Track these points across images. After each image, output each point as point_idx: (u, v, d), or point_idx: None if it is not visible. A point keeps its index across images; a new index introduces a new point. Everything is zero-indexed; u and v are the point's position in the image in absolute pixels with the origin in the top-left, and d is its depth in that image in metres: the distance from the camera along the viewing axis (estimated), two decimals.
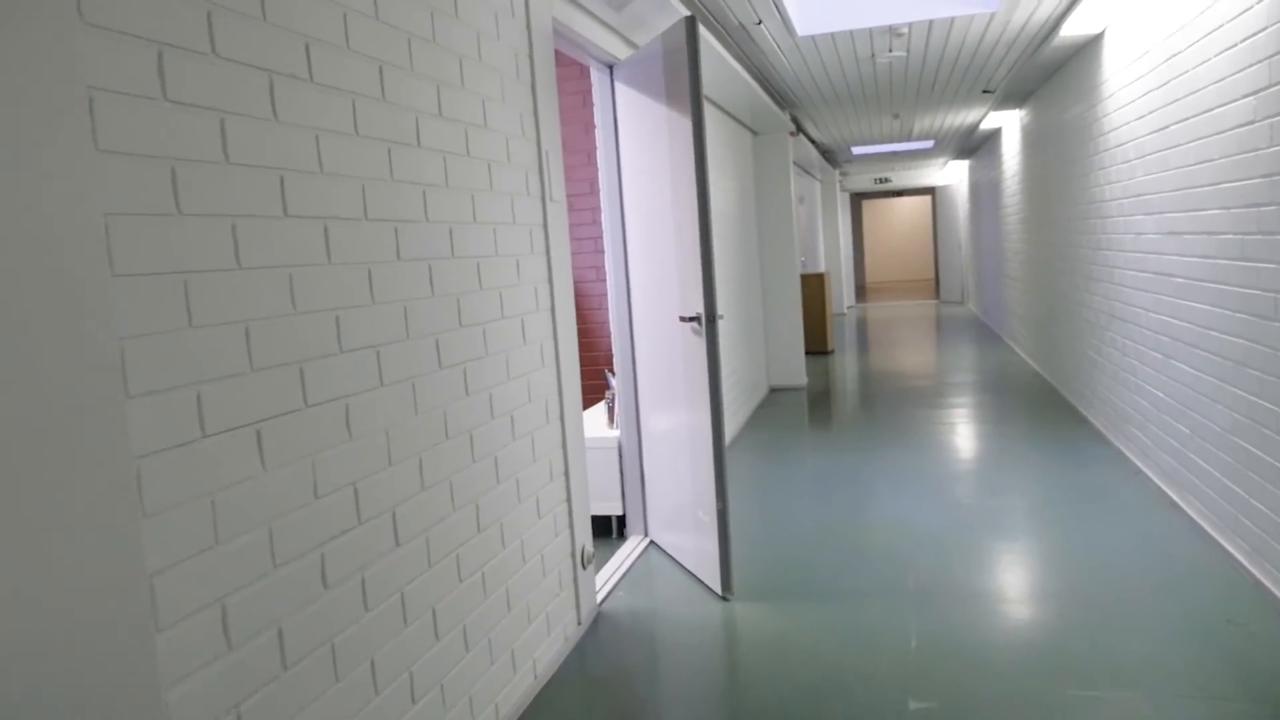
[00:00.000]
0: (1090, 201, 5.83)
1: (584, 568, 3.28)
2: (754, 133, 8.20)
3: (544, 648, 2.93)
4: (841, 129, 9.85)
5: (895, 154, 13.32)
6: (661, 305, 3.76)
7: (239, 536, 1.60)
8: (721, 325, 6.28)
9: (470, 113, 2.56)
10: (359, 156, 2.02)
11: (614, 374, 4.23)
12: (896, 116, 9.01)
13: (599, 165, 4.12)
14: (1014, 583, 3.48)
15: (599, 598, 3.54)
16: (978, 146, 12.71)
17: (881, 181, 18.12)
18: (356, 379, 1.98)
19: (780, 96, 7.44)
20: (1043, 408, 6.74)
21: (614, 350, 4.20)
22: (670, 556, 4.00)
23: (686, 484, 3.72)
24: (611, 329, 4.19)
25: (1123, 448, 5.26)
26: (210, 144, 1.57)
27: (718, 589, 3.51)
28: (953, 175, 17.08)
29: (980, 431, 6.10)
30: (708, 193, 3.29)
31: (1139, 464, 4.92)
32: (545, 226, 3.07)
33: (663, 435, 3.92)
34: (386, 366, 2.09)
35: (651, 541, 4.22)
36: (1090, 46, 5.72)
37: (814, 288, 10.50)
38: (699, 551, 3.66)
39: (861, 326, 13.94)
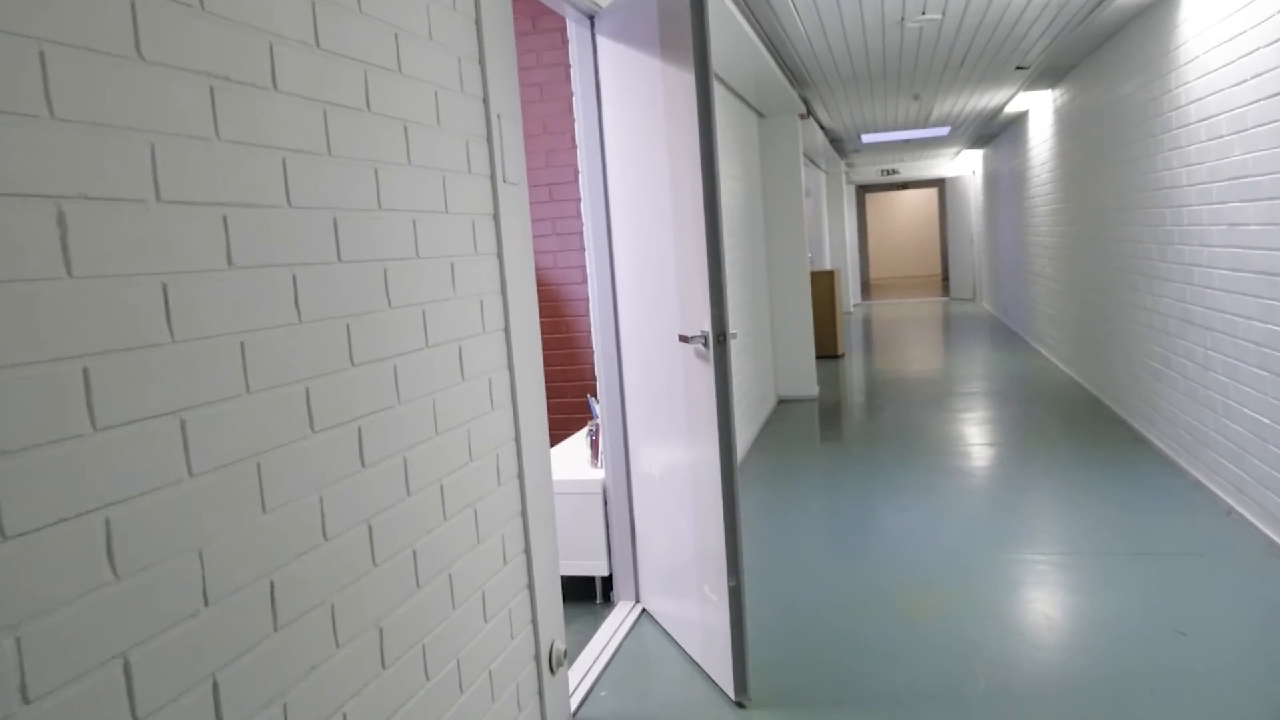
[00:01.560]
0: (1155, 188, 5.01)
1: (553, 672, 2.46)
2: (760, 114, 7.37)
3: None
4: (855, 112, 9.02)
5: (907, 143, 12.49)
6: (656, 317, 2.94)
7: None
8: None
9: (372, 47, 1.74)
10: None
11: (598, 400, 3.41)
12: (917, 98, 8.18)
13: (578, 141, 3.30)
14: (1116, 679, 2.67)
15: (576, 701, 2.72)
16: (997, 133, 11.88)
17: (889, 173, 17.29)
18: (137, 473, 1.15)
19: (792, 72, 6.61)
20: (1089, 423, 5.92)
21: (598, 372, 3.38)
22: (667, 634, 3.18)
23: (688, 540, 2.90)
24: (595, 347, 3.37)
25: (1202, 478, 4.45)
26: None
27: (730, 690, 2.69)
28: (964, 166, 16.26)
29: (1024, 454, 5.28)
30: (716, 179, 2.48)
31: (1230, 501, 4.10)
32: (496, 217, 2.25)
33: (658, 477, 3.10)
34: (204, 442, 1.27)
35: (644, 610, 3.40)
36: (1158, 8, 4.90)
37: (824, 287, 9.69)
38: (705, 632, 2.85)
39: (870, 326, 13.12)
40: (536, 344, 2.43)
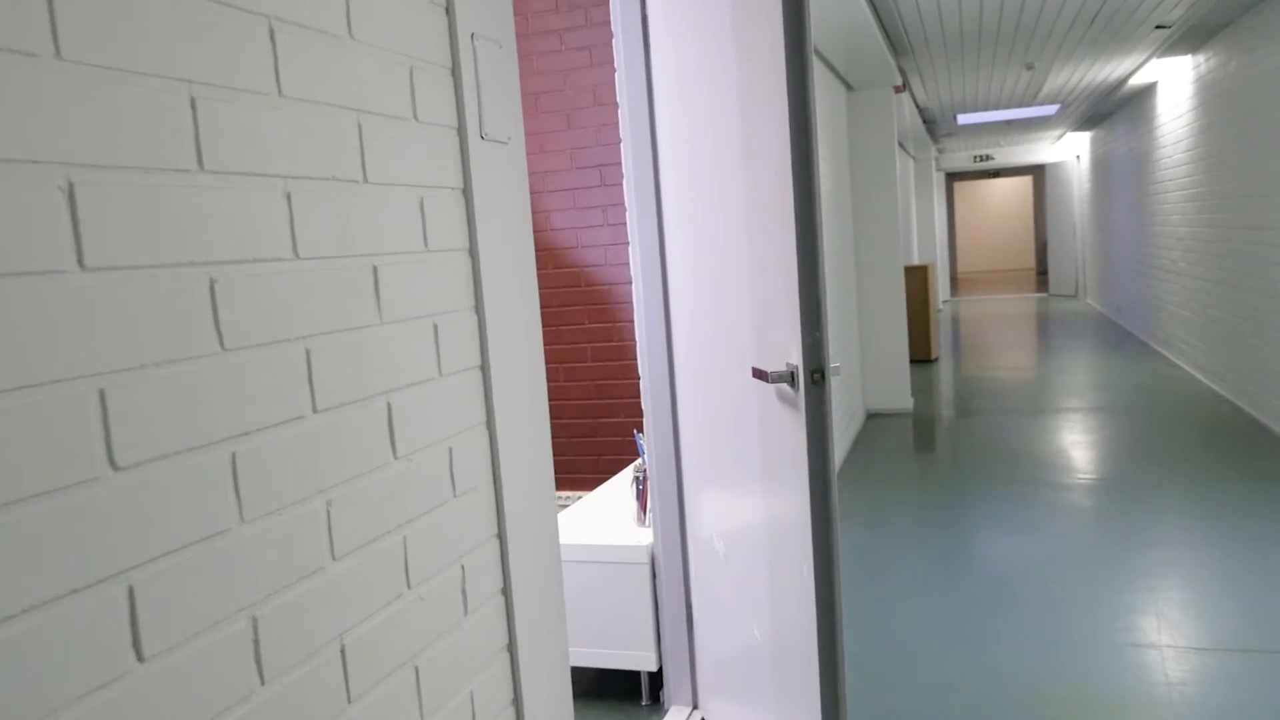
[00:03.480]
0: None
1: None
2: (849, 86, 6.44)
3: None
4: (956, 87, 8.00)
5: (1009, 124, 11.36)
6: (720, 338, 2.10)
7: None
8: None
9: None
10: None
11: (644, 437, 2.59)
12: (1030, 68, 7.14)
13: (620, 99, 2.48)
14: None
15: None
16: (1112, 112, 10.67)
17: (982, 159, 16.05)
18: None
19: (890, 35, 5.67)
20: (1245, 450, 4.87)
21: (645, 405, 2.56)
22: None
23: (762, 622, 2.06)
24: (641, 371, 2.55)
25: None
26: None
27: None
28: (1067, 150, 14.96)
29: (1179, 491, 4.28)
30: (813, 155, 1.62)
31: None
32: (468, 193, 1.44)
33: (722, 544, 2.27)
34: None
35: (703, 719, 2.57)
36: None
37: (917, 283, 8.70)
38: None
39: (962, 325, 12.03)
40: (538, 384, 1.62)
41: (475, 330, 1.46)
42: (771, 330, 1.78)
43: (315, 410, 1.10)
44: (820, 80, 5.31)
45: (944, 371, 8.43)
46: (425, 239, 1.34)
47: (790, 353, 1.70)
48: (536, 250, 4.60)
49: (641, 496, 2.75)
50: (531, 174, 4.57)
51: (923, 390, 7.55)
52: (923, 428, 6.19)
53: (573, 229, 4.55)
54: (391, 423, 1.24)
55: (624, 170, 2.50)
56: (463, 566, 1.40)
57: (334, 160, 1.15)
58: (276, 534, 1.03)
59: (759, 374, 1.77)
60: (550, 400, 4.69)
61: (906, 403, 6.76)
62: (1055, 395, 6.86)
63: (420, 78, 1.34)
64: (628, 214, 2.50)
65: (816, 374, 1.64)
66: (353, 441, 1.16)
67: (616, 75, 2.49)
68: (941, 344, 10.33)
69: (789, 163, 1.62)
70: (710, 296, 2.14)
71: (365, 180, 1.21)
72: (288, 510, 1.04)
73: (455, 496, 1.38)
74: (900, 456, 5.43)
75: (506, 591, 1.51)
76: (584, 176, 4.48)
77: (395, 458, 1.25)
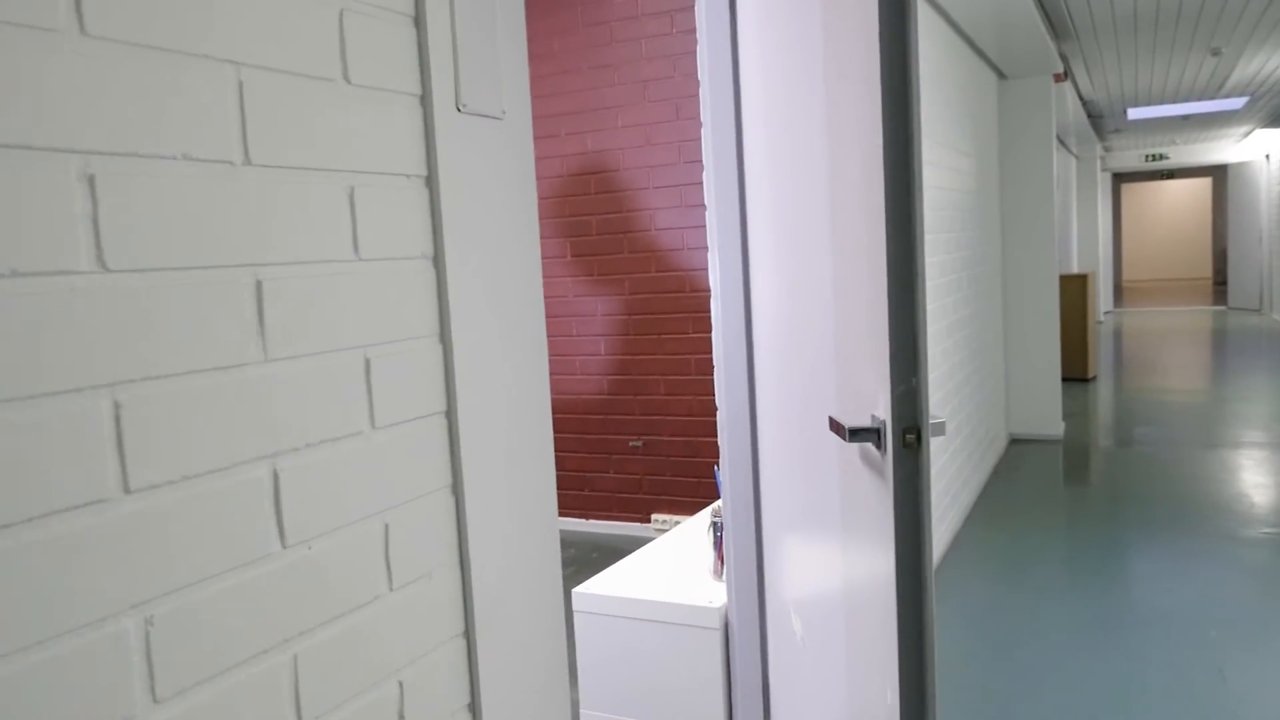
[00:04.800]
0: None
1: None
2: (1000, 75, 5.80)
3: None
4: (1128, 75, 7.17)
5: (1186, 119, 10.27)
6: (799, 369, 1.68)
7: None
8: (945, 347, 4.05)
9: None
10: None
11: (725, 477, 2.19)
12: (1216, 54, 6.29)
13: (700, 76, 2.08)
14: None
15: None
16: None
17: (1154, 159, 14.71)
18: None
19: (1051, 15, 5.03)
20: None
21: (721, 442, 2.16)
22: None
23: (838, 711, 1.63)
24: (719, 399, 2.15)
25: None
26: None
27: None
28: (1254, 149, 13.51)
29: None
30: (913, 146, 1.19)
31: None
32: (433, 183, 1.08)
33: (800, 621, 1.84)
34: None
35: None
36: None
37: (1073, 293, 7.89)
38: None
39: (1126, 340, 10.97)
40: (534, 431, 1.25)
41: (438, 364, 1.10)
42: (854, 372, 1.35)
43: (146, 488, 0.76)
44: (967, 65, 4.74)
45: (1102, 392, 7.60)
46: (355, 243, 0.99)
47: (877, 403, 1.27)
48: (638, 252, 4.25)
49: (719, 545, 2.35)
50: (636, 168, 4.22)
51: (1076, 414, 6.79)
52: (1075, 458, 5.49)
53: (678, 229, 4.17)
54: (279, 498, 0.89)
55: (704, 155, 2.10)
56: (400, 683, 1.04)
57: (193, 131, 0.81)
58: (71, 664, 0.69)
59: (836, 427, 1.35)
60: (650, 416, 4.33)
61: (1057, 428, 6.05)
62: (1234, 426, 6.01)
63: (356, 25, 0.99)
64: (708, 209, 2.10)
65: (910, 435, 1.20)
66: (214, 525, 0.82)
67: (698, 51, 2.09)
68: (1100, 361, 9.40)
69: (878, 149, 1.19)
70: (789, 317, 1.72)
71: (247, 161, 0.87)
72: (88, 631, 0.71)
73: (393, 591, 1.03)
74: (1046, 494, 4.80)
75: (475, 709, 1.15)
76: (693, 171, 4.10)
77: (284, 546, 0.90)
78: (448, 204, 1.10)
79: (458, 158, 1.12)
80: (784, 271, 1.76)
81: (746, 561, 2.13)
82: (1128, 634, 3.05)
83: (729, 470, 2.15)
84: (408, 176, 1.06)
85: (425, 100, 1.08)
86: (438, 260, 1.10)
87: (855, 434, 1.27)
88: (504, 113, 1.20)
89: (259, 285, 0.88)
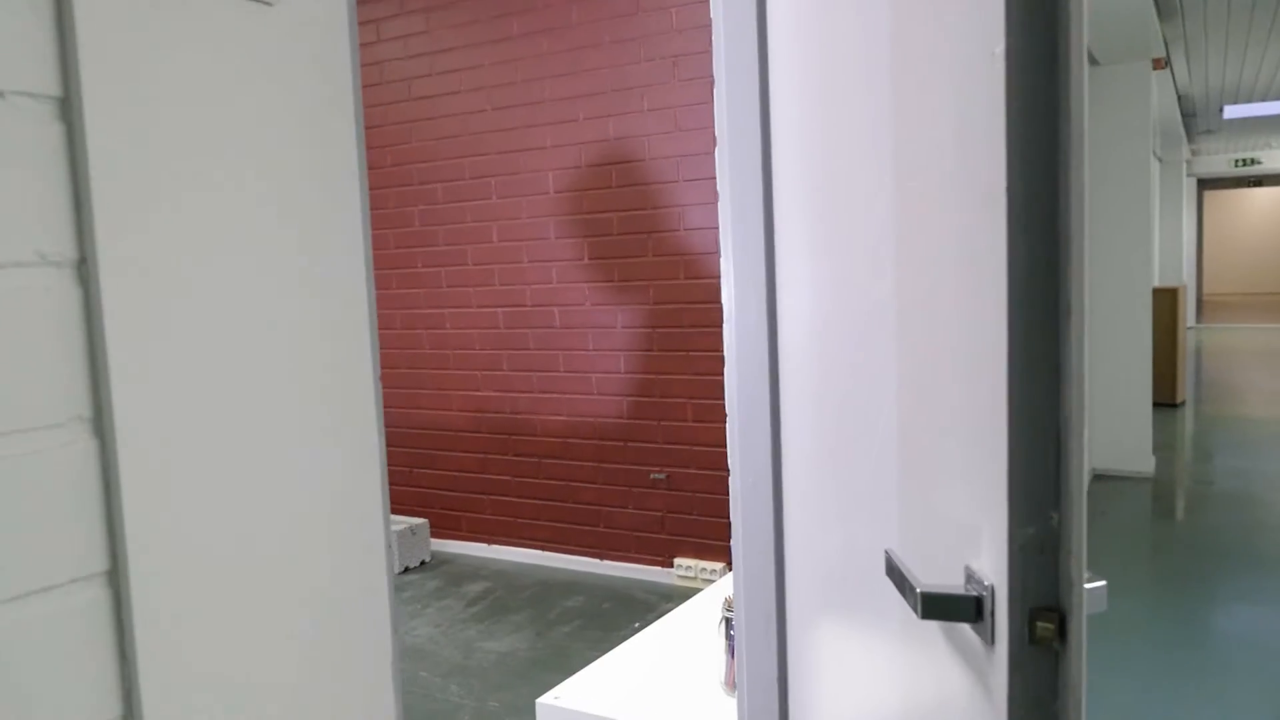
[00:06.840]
0: None
1: None
2: (1093, 59, 5.10)
3: None
4: (1232, 65, 6.39)
5: None
6: (841, 459, 1.09)
7: None
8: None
9: None
10: None
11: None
12: None
13: (714, 30, 1.50)
14: None
15: None
16: None
17: (1245, 164, 13.70)
18: None
19: None
20: None
21: (735, 518, 1.58)
22: None
23: None
24: (732, 466, 1.57)
25: None
26: None
27: None
28: None
29: None
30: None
31: None
32: (72, 107, 0.52)
33: None
34: None
35: None
36: None
37: (1163, 309, 7.11)
38: None
39: (1210, 359, 10.09)
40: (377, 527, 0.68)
41: (91, 476, 0.54)
42: (932, 480, 0.76)
43: None
44: None
45: (1191, 420, 6.82)
46: None
47: (978, 550, 0.67)
48: (665, 255, 3.67)
49: (730, 650, 1.76)
50: (664, 159, 3.64)
51: (1167, 446, 6.04)
52: (1167, 500, 4.78)
53: (710, 229, 3.57)
54: None
55: (717, 132, 1.52)
56: None
57: None
58: None
59: (897, 579, 0.75)
60: (674, 445, 3.74)
61: (1147, 464, 5.33)
62: None
63: None
64: (720, 208, 1.52)
65: (1045, 623, 0.61)
66: None
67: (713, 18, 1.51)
68: (1187, 383, 8.58)
69: (1000, 101, 0.60)
70: (820, 358, 1.13)
71: None
72: None
73: None
74: (1134, 541, 4.11)
75: None
76: (697, 140, 3.51)
77: None
78: (103, 149, 0.54)
79: (138, 65, 0.55)
80: (818, 285, 1.17)
81: (764, 670, 1.55)
82: (1222, 707, 2.39)
83: (745, 555, 1.56)
84: (8, 95, 0.50)
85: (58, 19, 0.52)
86: (85, 267, 0.54)
87: (933, 605, 0.68)
88: None
89: None
